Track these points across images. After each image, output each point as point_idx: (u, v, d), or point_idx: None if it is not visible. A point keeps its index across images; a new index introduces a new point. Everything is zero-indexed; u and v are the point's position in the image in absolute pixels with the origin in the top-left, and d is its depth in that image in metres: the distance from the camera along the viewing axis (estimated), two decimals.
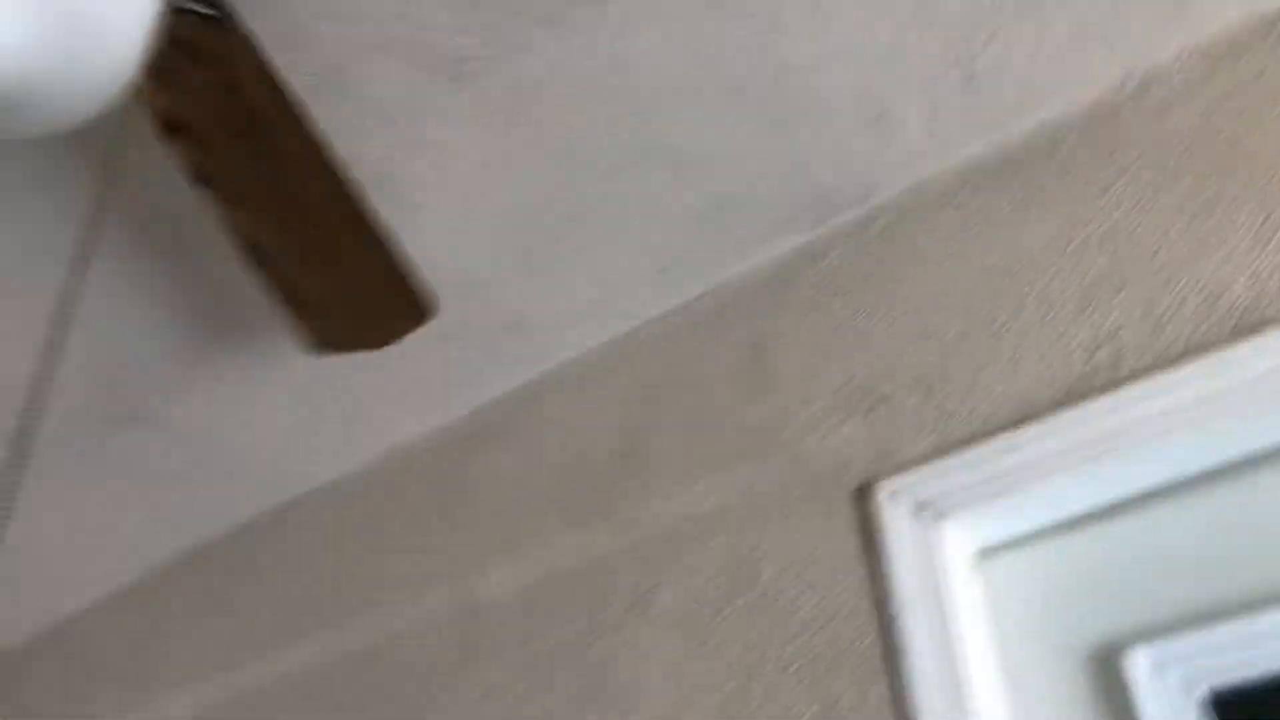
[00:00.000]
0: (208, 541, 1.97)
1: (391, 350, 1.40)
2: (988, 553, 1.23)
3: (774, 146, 1.37)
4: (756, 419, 1.41)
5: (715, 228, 1.47)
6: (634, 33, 1.23)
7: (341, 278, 1.23)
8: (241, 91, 1.04)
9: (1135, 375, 1.14)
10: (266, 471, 1.84)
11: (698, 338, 1.53)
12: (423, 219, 1.43)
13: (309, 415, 1.74)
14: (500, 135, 1.34)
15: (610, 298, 1.56)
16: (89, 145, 1.30)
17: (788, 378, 1.41)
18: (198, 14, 0.96)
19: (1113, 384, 1.15)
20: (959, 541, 1.21)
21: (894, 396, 1.31)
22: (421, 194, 1.40)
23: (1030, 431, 1.18)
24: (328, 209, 1.16)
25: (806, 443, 1.35)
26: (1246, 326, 1.10)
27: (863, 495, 1.26)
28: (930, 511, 1.21)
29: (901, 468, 1.25)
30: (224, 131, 1.08)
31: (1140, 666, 1.08)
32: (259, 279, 1.25)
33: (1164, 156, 1.25)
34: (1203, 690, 1.05)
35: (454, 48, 1.23)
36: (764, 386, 1.43)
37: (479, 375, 1.68)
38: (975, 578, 1.22)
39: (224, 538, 1.95)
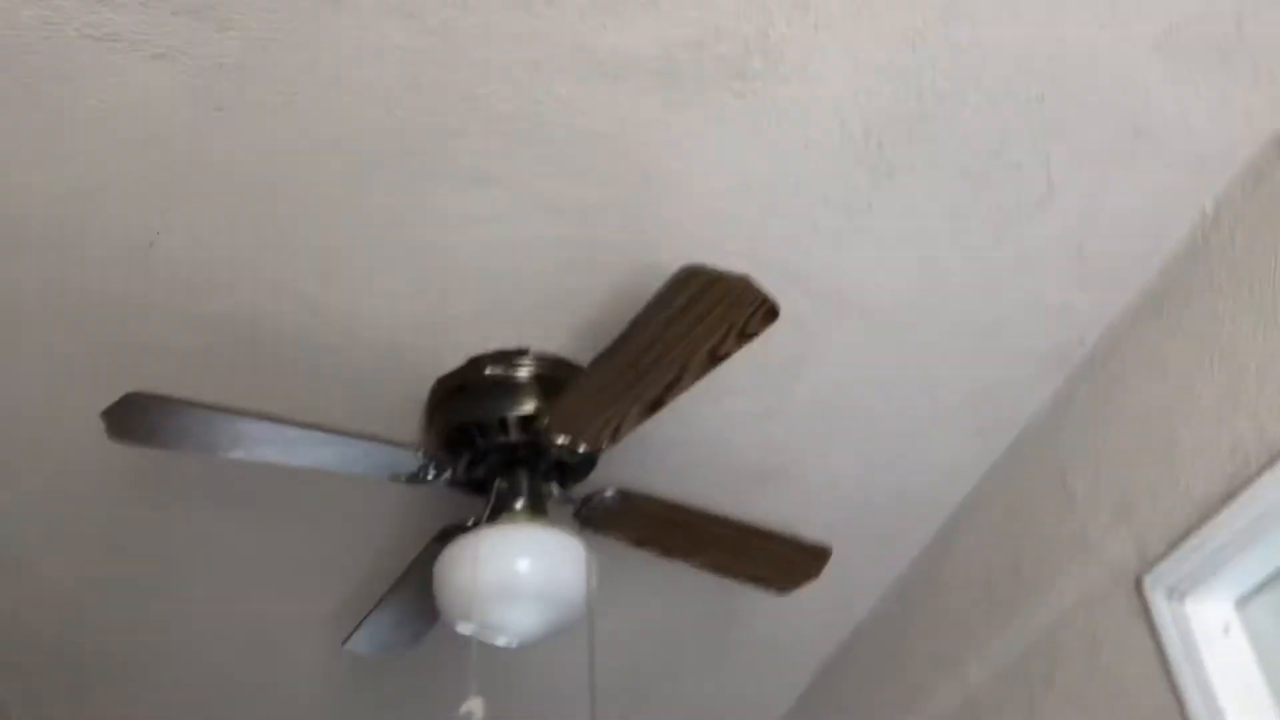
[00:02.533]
0: None
1: None
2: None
3: None
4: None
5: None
6: None
7: (760, 557, 2.04)
8: (652, 514, 1.92)
9: None
10: None
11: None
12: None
13: None
14: None
15: None
16: None
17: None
18: (606, 500, 1.87)
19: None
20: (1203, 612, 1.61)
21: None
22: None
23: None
24: (728, 534, 1.99)
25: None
26: None
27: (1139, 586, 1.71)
28: (1176, 593, 1.63)
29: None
30: (659, 530, 1.96)
31: None
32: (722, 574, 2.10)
33: None
34: None
35: None
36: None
37: None
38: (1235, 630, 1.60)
39: None
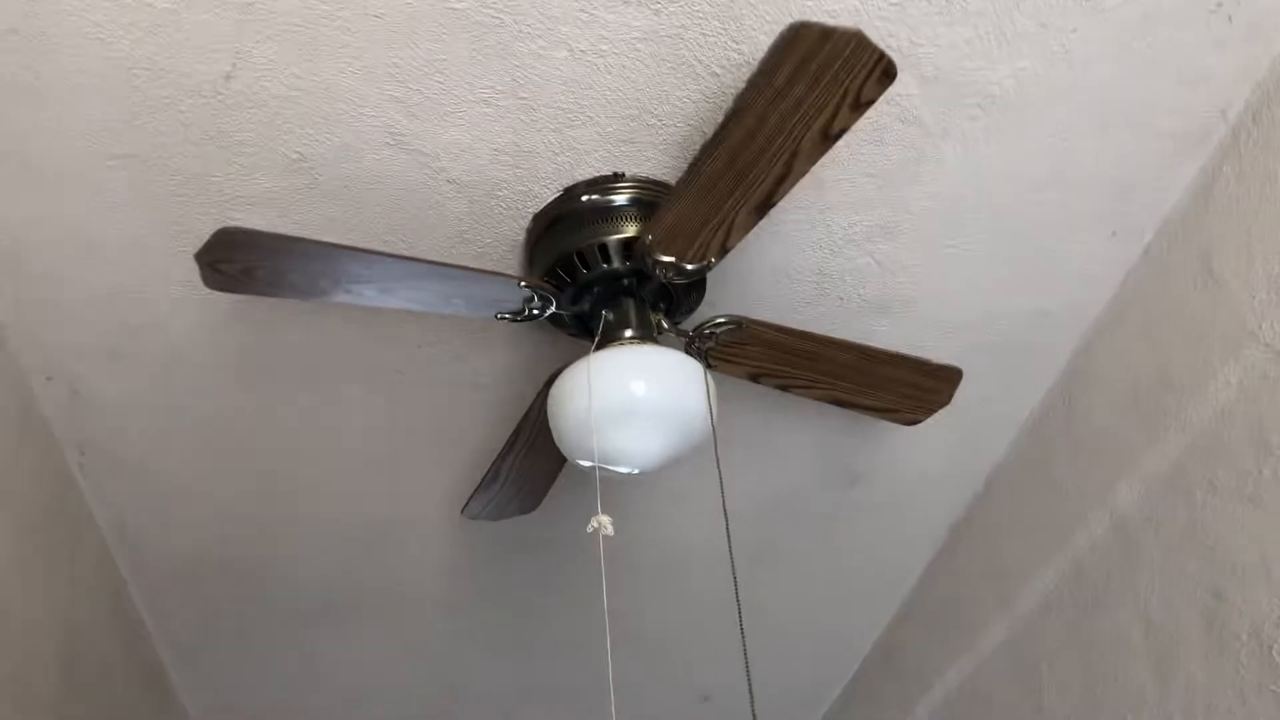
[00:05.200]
0: None
1: None
2: None
3: None
4: None
5: None
6: None
7: (886, 384, 1.93)
8: (769, 341, 1.82)
9: None
10: None
11: None
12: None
13: None
14: None
15: None
16: None
17: None
18: (719, 329, 1.77)
19: None
20: None
21: None
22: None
23: None
24: (852, 360, 1.88)
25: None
26: None
27: None
28: None
29: None
30: (776, 360, 1.86)
31: None
32: (846, 406, 1.99)
33: None
34: None
35: None
36: None
37: None
38: None
39: None
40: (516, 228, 1.79)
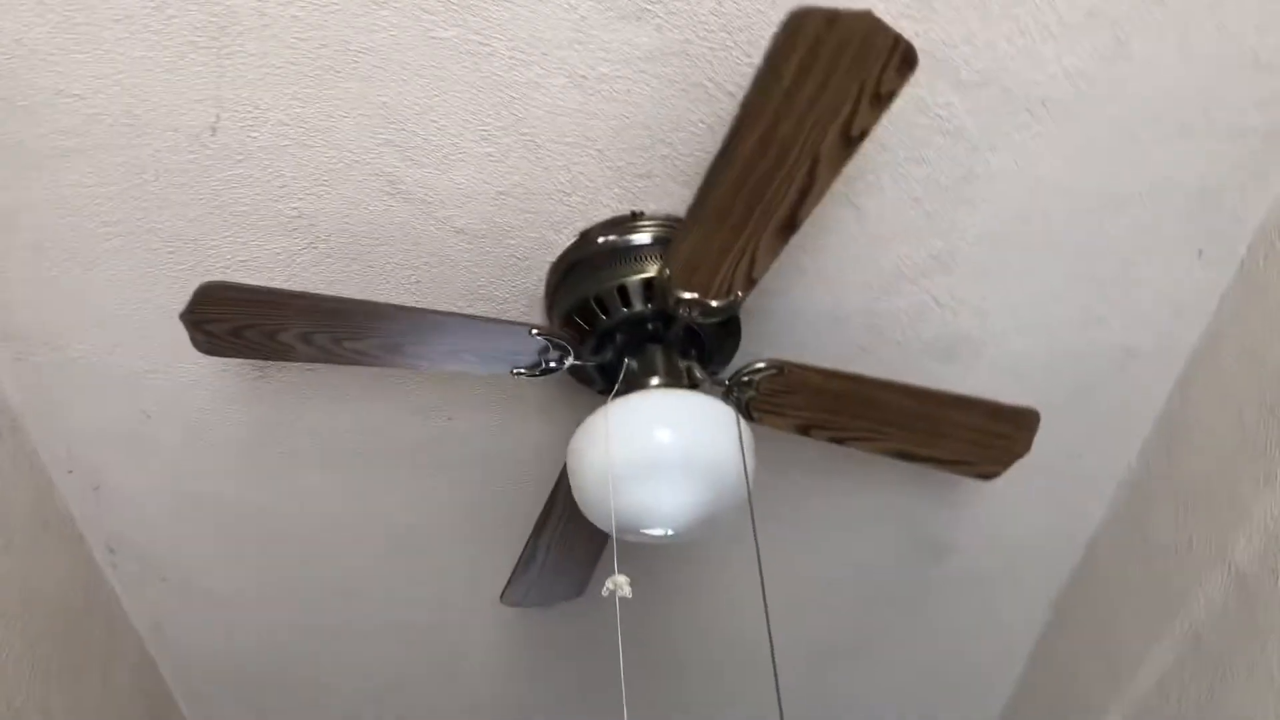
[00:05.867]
0: None
1: None
2: None
3: None
4: None
5: None
6: None
7: (954, 431, 1.73)
8: (818, 388, 1.65)
9: None
10: None
11: None
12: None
13: None
14: None
15: None
16: None
17: None
18: (759, 375, 1.61)
19: None
20: None
21: None
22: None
23: None
24: (912, 405, 1.69)
25: None
26: None
27: None
28: None
29: None
30: (827, 409, 1.68)
31: None
32: (911, 459, 1.79)
33: None
34: None
35: None
36: None
37: None
38: None
39: None
40: (534, 279, 1.67)
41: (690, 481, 1.42)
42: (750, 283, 1.47)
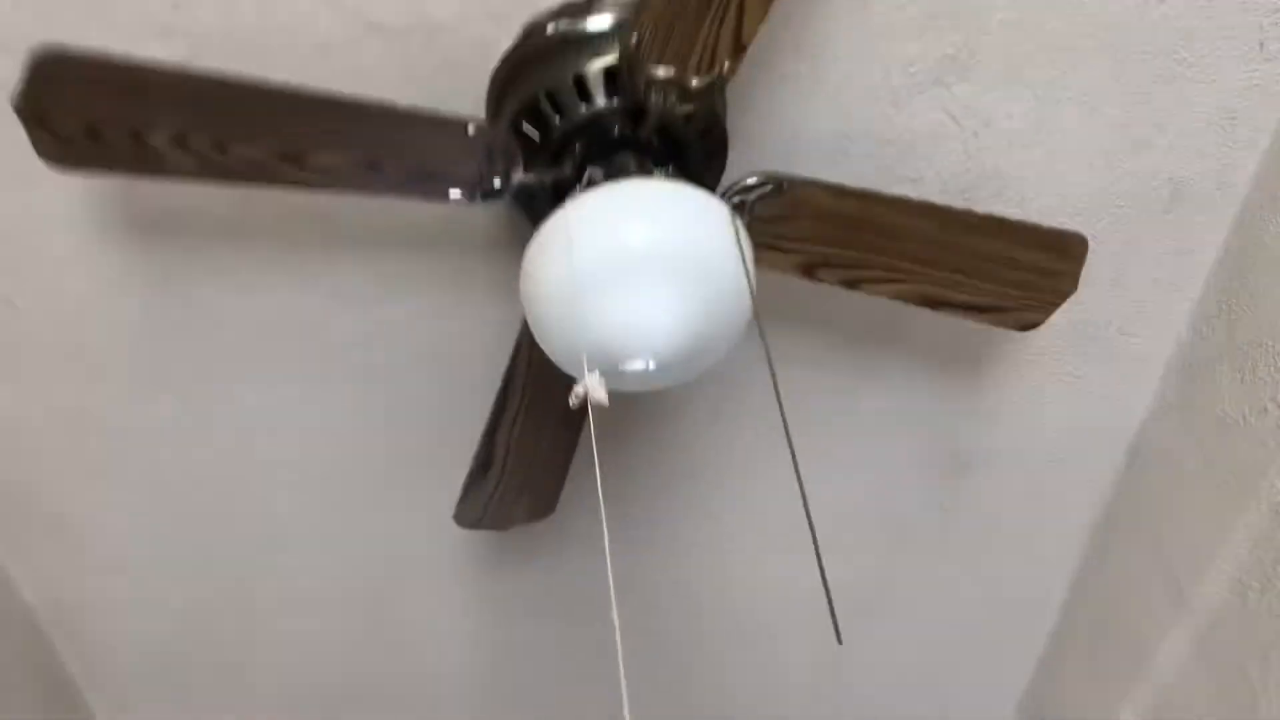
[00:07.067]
0: None
1: None
2: None
3: None
4: None
5: None
6: None
7: (988, 265, 1.43)
8: (826, 211, 1.35)
9: None
10: None
11: None
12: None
13: None
14: None
15: None
16: None
17: None
18: (753, 194, 1.31)
19: None
20: None
21: None
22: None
23: None
24: (937, 232, 1.39)
25: None
26: None
27: None
28: None
29: None
30: (837, 239, 1.38)
31: None
32: (939, 306, 1.49)
33: None
34: None
35: None
36: None
37: None
38: None
39: None
40: (474, 90, 1.37)
41: (674, 287, 1.11)
42: (738, 49, 1.17)
